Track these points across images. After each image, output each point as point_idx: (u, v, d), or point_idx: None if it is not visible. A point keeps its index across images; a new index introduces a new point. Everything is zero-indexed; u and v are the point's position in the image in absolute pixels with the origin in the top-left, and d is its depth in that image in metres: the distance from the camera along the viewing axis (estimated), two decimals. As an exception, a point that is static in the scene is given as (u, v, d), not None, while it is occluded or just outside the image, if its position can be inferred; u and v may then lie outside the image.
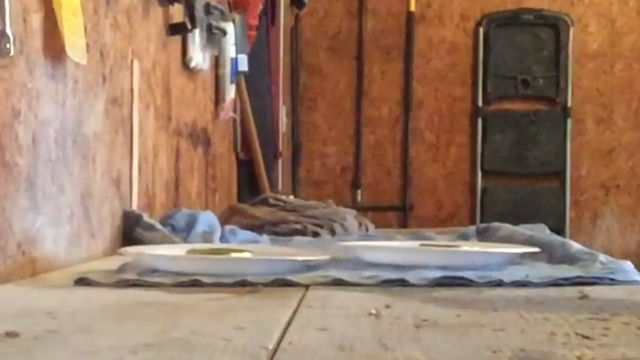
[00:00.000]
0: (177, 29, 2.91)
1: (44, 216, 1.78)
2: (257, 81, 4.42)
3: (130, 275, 1.63)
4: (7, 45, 1.54)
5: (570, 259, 1.88)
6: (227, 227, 2.56)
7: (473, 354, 0.99)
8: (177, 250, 1.90)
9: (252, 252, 1.82)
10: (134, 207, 2.42)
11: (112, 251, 2.18)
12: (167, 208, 2.78)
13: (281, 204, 3.17)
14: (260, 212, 3.03)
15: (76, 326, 1.16)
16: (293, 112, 6.38)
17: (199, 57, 3.15)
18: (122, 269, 1.71)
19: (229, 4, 3.78)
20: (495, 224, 2.67)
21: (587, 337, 1.07)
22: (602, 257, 1.82)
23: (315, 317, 1.23)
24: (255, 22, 4.11)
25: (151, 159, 2.65)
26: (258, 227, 2.85)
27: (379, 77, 6.56)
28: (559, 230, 5.28)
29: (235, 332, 1.11)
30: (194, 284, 1.56)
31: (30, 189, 1.71)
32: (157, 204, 2.70)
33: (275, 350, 1.01)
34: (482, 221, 5.94)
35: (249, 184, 4.32)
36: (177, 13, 2.95)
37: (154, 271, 1.68)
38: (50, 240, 1.82)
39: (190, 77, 3.21)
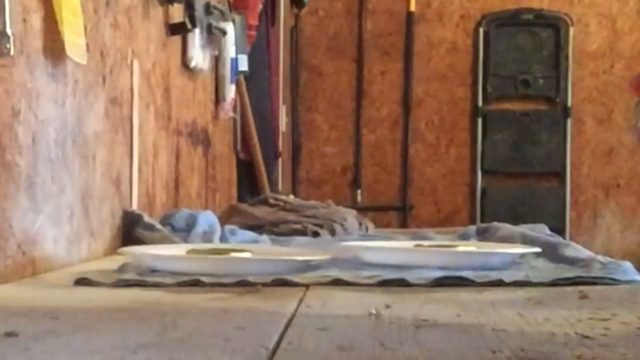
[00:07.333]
0: (177, 29, 2.91)
1: (44, 216, 1.78)
2: (257, 81, 4.42)
3: (130, 275, 1.63)
4: (7, 45, 1.54)
5: (570, 260, 1.88)
6: (227, 227, 2.56)
7: (473, 354, 0.99)
8: (177, 250, 1.90)
9: (252, 252, 1.82)
10: (134, 207, 2.42)
11: (112, 251, 2.18)
12: (167, 208, 2.78)
13: (281, 204, 3.16)
14: (260, 212, 3.03)
15: (76, 326, 1.16)
16: (293, 112, 6.38)
17: (199, 57, 3.14)
18: (122, 269, 1.71)
19: (229, 4, 3.77)
20: (495, 224, 2.67)
21: (587, 337, 1.07)
22: (600, 257, 1.82)
23: (315, 317, 1.23)
24: (255, 22, 4.11)
25: (151, 159, 2.65)
26: (258, 227, 2.85)
27: (379, 77, 6.56)
28: (559, 230, 5.27)
29: (235, 332, 1.11)
30: (194, 284, 1.56)
31: (30, 189, 1.71)
32: (157, 204, 2.70)
33: (275, 350, 1.01)
34: (482, 221, 5.94)
35: (249, 184, 4.32)
36: (177, 13, 2.95)
37: (154, 271, 1.68)
38: (50, 240, 1.82)
39: (190, 77, 3.21)
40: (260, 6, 4.26)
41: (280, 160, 5.32)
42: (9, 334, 1.07)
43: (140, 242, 2.25)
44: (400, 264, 1.80)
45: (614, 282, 1.61)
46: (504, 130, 6.48)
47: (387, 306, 1.32)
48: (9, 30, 1.54)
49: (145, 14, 2.58)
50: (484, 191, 6.50)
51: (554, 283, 1.60)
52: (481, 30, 6.49)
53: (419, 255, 1.91)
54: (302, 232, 2.85)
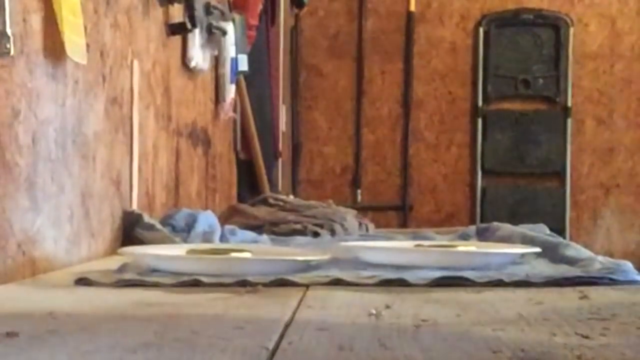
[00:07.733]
0: (177, 29, 2.91)
1: (44, 216, 1.78)
2: (257, 81, 4.42)
3: (130, 275, 1.63)
4: (7, 45, 1.54)
5: (570, 260, 1.88)
6: (227, 227, 2.56)
7: (473, 354, 0.99)
8: (177, 250, 1.90)
9: (252, 252, 1.82)
10: (134, 207, 2.42)
11: (112, 251, 2.18)
12: (167, 208, 2.78)
13: (281, 204, 3.16)
14: (260, 212, 3.03)
15: (76, 326, 1.16)
16: (293, 112, 6.38)
17: (199, 57, 3.14)
18: (122, 269, 1.71)
19: (229, 4, 3.78)
20: (495, 224, 2.67)
21: (587, 337, 1.07)
22: (601, 258, 1.82)
23: (315, 317, 1.23)
24: (255, 22, 4.11)
25: (151, 159, 2.65)
26: (258, 227, 2.85)
27: (379, 77, 6.56)
28: (559, 230, 5.27)
29: (235, 332, 1.11)
30: (194, 284, 1.56)
31: (30, 189, 1.71)
32: (157, 204, 2.70)
33: (275, 350, 1.01)
34: (482, 221, 5.94)
35: (249, 184, 4.32)
36: (177, 13, 2.95)
37: (154, 271, 1.68)
38: (50, 240, 1.82)
39: (190, 77, 3.21)
40: (260, 6, 4.26)
41: (280, 160, 5.32)
42: (9, 334, 1.07)
43: (140, 242, 2.25)
44: (400, 264, 1.80)
45: (614, 282, 1.61)
46: (504, 130, 6.48)
47: (387, 306, 1.32)
48: (9, 30, 1.54)
49: (145, 14, 2.58)
50: (484, 191, 6.50)
51: (554, 283, 1.60)
52: (481, 30, 6.49)
53: (419, 255, 1.91)
54: (302, 232, 2.85)
